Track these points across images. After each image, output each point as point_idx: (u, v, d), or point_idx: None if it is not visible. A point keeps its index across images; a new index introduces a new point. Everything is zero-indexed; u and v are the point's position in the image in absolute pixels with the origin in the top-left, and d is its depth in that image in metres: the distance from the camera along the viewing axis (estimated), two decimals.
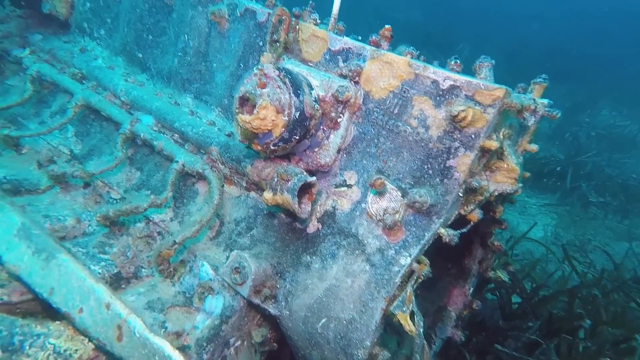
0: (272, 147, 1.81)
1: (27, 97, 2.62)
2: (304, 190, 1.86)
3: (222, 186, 2.26)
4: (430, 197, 1.74)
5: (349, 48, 1.87)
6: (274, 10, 1.97)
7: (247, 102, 1.77)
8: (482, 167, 1.81)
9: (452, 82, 1.66)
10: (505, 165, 1.82)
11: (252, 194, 2.20)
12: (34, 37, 2.97)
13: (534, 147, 1.96)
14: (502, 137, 1.78)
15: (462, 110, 1.61)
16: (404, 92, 1.76)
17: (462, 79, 1.64)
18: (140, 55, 2.83)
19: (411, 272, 1.75)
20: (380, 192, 1.81)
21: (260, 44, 2.21)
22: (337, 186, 1.98)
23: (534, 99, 1.91)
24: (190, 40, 2.56)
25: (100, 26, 3.00)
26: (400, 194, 1.81)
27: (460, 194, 1.77)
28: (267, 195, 1.85)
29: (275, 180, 1.83)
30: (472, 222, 1.88)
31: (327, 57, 1.92)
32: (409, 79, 1.74)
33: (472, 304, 2.47)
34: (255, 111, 1.70)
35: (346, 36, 1.90)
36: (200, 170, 2.23)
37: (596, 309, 2.66)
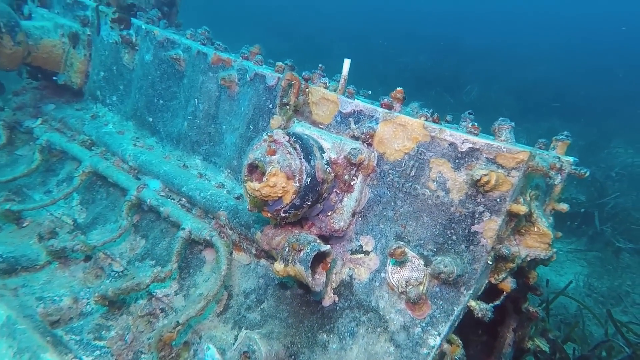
0: (282, 214, 1.70)
1: (34, 167, 2.61)
2: (318, 259, 1.73)
3: (231, 253, 2.14)
4: (456, 266, 1.59)
5: (361, 110, 1.81)
6: (284, 74, 1.96)
7: (256, 170, 1.69)
8: (511, 232, 1.67)
9: (471, 145, 1.57)
10: (536, 229, 1.68)
11: (263, 261, 2.07)
12: (47, 107, 3.03)
13: (563, 207, 1.82)
14: (529, 199, 1.66)
15: (485, 175, 1.50)
16: (420, 154, 1.67)
17: (482, 141, 1.55)
18: (151, 119, 2.84)
19: (442, 355, 1.55)
20: (401, 262, 1.66)
21: (270, 106, 2.18)
22: (353, 252, 1.84)
23: (559, 157, 1.80)
24: (201, 104, 2.57)
25: (112, 93, 3.06)
26: (423, 263, 1.66)
27: (490, 262, 1.61)
28: (278, 266, 1.72)
29: (287, 250, 1.71)
30: (505, 293, 1.70)
31: (339, 119, 1.87)
32: (424, 141, 1.66)
33: None
34: (264, 179, 1.62)
35: (357, 98, 1.86)
36: (207, 238, 2.13)
37: None
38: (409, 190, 1.71)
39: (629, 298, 4.64)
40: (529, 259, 1.72)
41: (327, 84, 1.94)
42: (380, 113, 1.76)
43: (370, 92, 2.21)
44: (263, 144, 1.70)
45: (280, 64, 2.26)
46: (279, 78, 2.17)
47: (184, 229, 2.18)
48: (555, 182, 1.82)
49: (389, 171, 1.75)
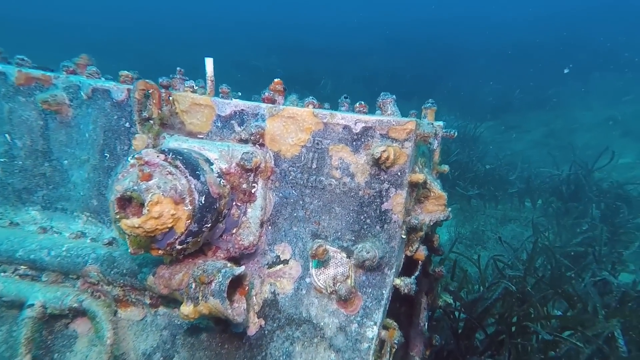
0: (179, 247, 1.41)
1: None
2: (233, 285, 1.49)
3: (115, 313, 1.70)
4: (377, 249, 1.56)
5: (242, 110, 1.63)
6: (135, 85, 1.62)
7: (130, 202, 1.35)
8: (414, 202, 1.73)
9: (364, 124, 1.55)
10: (432, 194, 1.78)
11: (162, 309, 1.70)
12: None
13: (445, 169, 1.99)
14: (421, 167, 1.74)
15: (384, 151, 1.50)
16: (317, 144, 1.59)
17: (372, 119, 1.55)
18: None
19: (382, 343, 1.51)
20: (324, 261, 1.56)
21: (127, 125, 1.80)
22: (270, 265, 1.65)
23: (432, 123, 1.96)
24: (17, 140, 1.97)
25: None
26: (346, 255, 1.59)
27: (403, 236, 1.64)
28: (187, 309, 1.42)
29: (193, 286, 1.42)
30: (420, 262, 1.76)
31: (219, 124, 1.64)
32: (318, 130, 1.58)
33: (431, 340, 2.34)
34: (145, 210, 1.30)
35: (233, 97, 1.66)
36: (75, 305, 1.64)
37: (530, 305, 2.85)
38: (314, 184, 1.61)
39: (485, 235, 5.61)
40: (432, 224, 1.82)
41: (194, 87, 1.69)
42: (264, 109, 1.61)
43: (240, 94, 2.04)
44: (131, 170, 1.38)
45: (125, 72, 1.89)
46: (128, 90, 1.81)
47: (31, 305, 1.64)
48: (434, 147, 1.97)
49: (290, 169, 1.62)
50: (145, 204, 1.31)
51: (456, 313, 2.75)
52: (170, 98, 1.62)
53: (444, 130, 1.95)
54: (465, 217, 6.09)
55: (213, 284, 1.39)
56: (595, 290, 2.75)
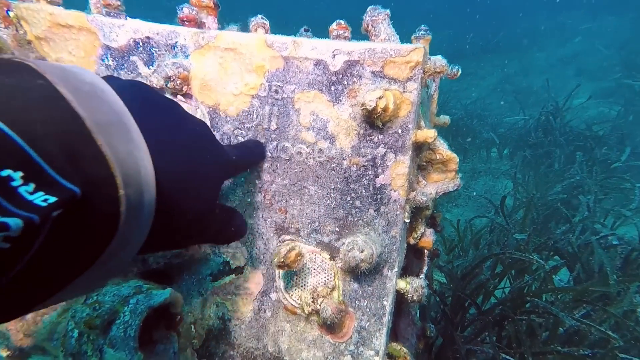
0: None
1: None
2: (155, 316, 0.95)
3: None
4: (373, 243, 1.07)
5: (148, 38, 1.00)
6: None
7: None
8: (417, 171, 1.23)
9: (347, 57, 0.99)
10: (438, 156, 1.28)
11: None
12: None
13: (446, 120, 1.49)
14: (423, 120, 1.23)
15: (380, 98, 0.96)
16: (276, 92, 1.02)
17: (359, 47, 0.99)
18: None
19: None
20: (300, 268, 1.04)
21: None
22: (215, 277, 1.12)
23: (430, 59, 1.42)
24: None
25: None
26: (328, 255, 1.08)
27: (407, 220, 1.15)
28: None
29: (77, 335, 0.86)
30: (426, 251, 1.30)
31: (109, 62, 1.01)
32: (276, 69, 1.00)
33: (425, 331, 1.96)
34: None
35: (130, 17, 1.02)
36: None
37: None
38: (276, 153, 1.06)
39: (455, 191, 5.36)
40: (438, 197, 1.34)
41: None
42: (185, 36, 0.99)
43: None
44: None
45: None
46: None
47: None
48: (432, 91, 1.46)
49: (236, 133, 1.05)
50: None
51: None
52: (10, 14, 0.94)
53: (449, 67, 1.42)
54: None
55: (113, 328, 0.84)
56: (603, 251, 2.51)
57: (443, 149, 1.27)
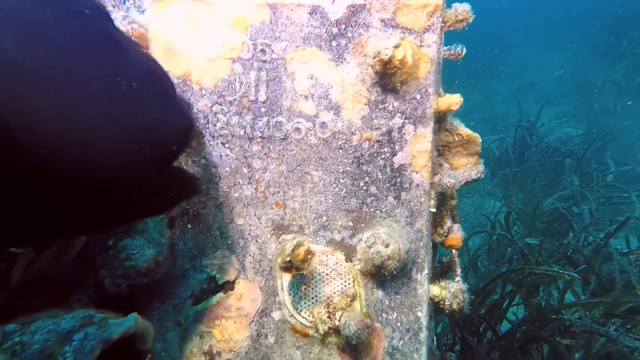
0: None
1: None
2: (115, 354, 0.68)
3: None
4: (400, 236, 0.84)
5: None
6: None
7: None
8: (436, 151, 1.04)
9: (350, 1, 0.81)
10: (457, 137, 1.09)
11: None
12: None
13: (457, 100, 1.32)
14: None
15: (396, 47, 0.78)
16: (262, 52, 0.82)
17: None
18: None
19: None
20: (309, 274, 0.79)
21: None
22: (197, 299, 0.85)
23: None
24: None
25: None
26: (343, 256, 0.84)
27: (433, 209, 0.94)
28: None
29: None
30: (454, 250, 1.08)
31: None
32: (261, 22, 0.81)
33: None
34: None
35: None
36: None
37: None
38: (268, 133, 0.84)
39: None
40: (459, 186, 1.14)
41: None
42: None
43: None
44: None
45: None
46: None
47: None
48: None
49: (215, 109, 0.83)
50: None
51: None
52: None
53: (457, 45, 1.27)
54: None
55: None
56: (627, 260, 2.32)
57: (462, 129, 1.08)
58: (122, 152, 0.51)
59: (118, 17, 0.76)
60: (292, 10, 0.79)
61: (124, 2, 0.78)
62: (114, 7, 0.78)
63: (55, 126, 0.44)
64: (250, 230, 0.85)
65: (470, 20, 0.89)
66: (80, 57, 0.48)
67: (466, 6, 0.87)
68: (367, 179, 0.87)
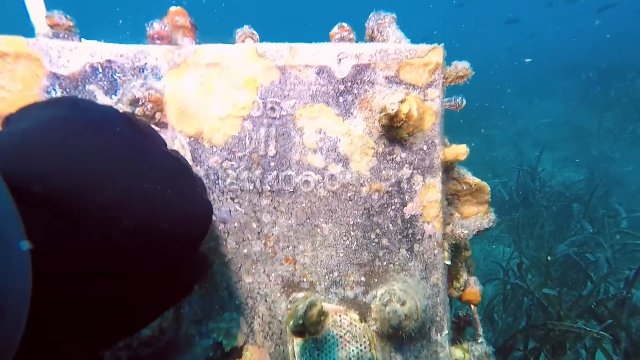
0: None
1: None
2: None
3: None
4: (415, 292, 0.80)
5: (109, 62, 0.82)
6: None
7: None
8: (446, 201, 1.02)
9: (355, 61, 0.84)
10: (465, 186, 1.08)
11: None
12: None
13: (464, 150, 1.32)
14: None
15: (402, 102, 0.79)
16: (272, 109, 0.83)
17: (368, 49, 0.85)
18: None
19: None
20: (322, 339, 0.74)
21: None
22: None
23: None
24: None
25: None
26: (357, 316, 0.79)
27: (448, 262, 0.90)
28: None
29: None
30: (473, 306, 1.02)
31: (56, 93, 0.81)
32: (271, 83, 0.83)
33: None
34: None
35: (84, 37, 0.85)
36: None
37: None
38: (277, 187, 0.83)
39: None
40: (471, 236, 1.11)
41: None
42: (157, 55, 0.83)
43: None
44: None
45: None
46: None
47: None
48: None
49: (224, 165, 0.83)
50: None
51: None
52: None
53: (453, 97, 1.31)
54: None
55: None
56: None
57: (470, 177, 1.08)
58: (170, 244, 0.56)
59: (137, 85, 0.78)
60: (300, 70, 0.82)
61: (143, 71, 0.81)
62: (133, 76, 0.80)
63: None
64: (259, 288, 0.81)
65: (470, 77, 0.92)
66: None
67: (465, 63, 0.90)
68: (378, 230, 0.85)
